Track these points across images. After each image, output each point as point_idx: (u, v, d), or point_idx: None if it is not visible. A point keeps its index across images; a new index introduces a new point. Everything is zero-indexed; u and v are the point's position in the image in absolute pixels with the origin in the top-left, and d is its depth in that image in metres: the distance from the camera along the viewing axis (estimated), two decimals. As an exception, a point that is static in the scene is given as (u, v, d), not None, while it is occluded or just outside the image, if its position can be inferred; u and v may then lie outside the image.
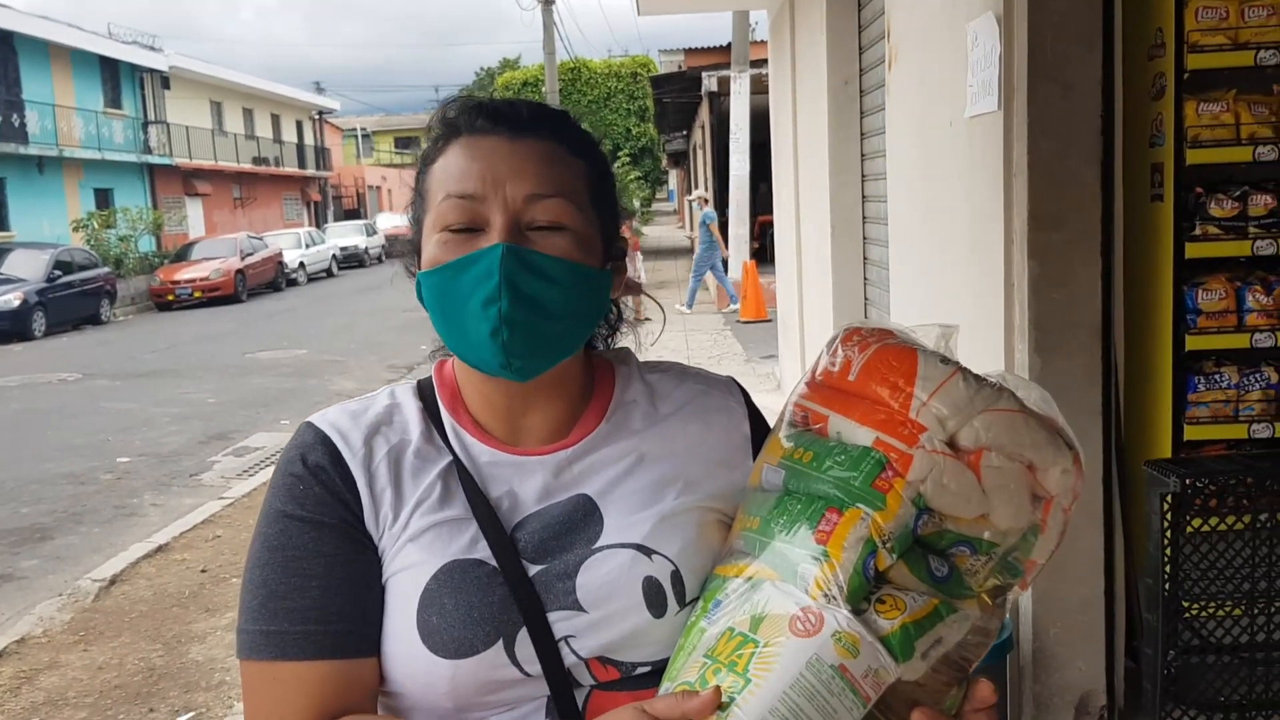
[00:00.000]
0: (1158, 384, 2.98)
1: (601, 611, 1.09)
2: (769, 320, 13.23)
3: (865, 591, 0.96)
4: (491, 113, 1.15)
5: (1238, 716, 2.90)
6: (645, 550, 1.12)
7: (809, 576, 0.97)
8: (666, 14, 9.51)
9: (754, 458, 1.22)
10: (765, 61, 11.93)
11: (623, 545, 1.13)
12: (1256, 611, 2.84)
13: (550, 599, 1.10)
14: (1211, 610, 2.88)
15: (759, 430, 1.26)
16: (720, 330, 13.98)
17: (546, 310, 1.08)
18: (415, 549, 1.11)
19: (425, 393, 1.23)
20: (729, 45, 17.31)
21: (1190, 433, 2.98)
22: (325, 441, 1.15)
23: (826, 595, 0.95)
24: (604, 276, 1.16)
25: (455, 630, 1.07)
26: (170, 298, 23.68)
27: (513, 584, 1.09)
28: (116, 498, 7.80)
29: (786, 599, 0.97)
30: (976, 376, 1.03)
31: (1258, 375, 2.96)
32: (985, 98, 3.05)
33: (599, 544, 1.13)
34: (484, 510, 1.13)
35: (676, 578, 1.11)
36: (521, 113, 1.16)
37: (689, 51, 26.76)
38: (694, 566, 1.12)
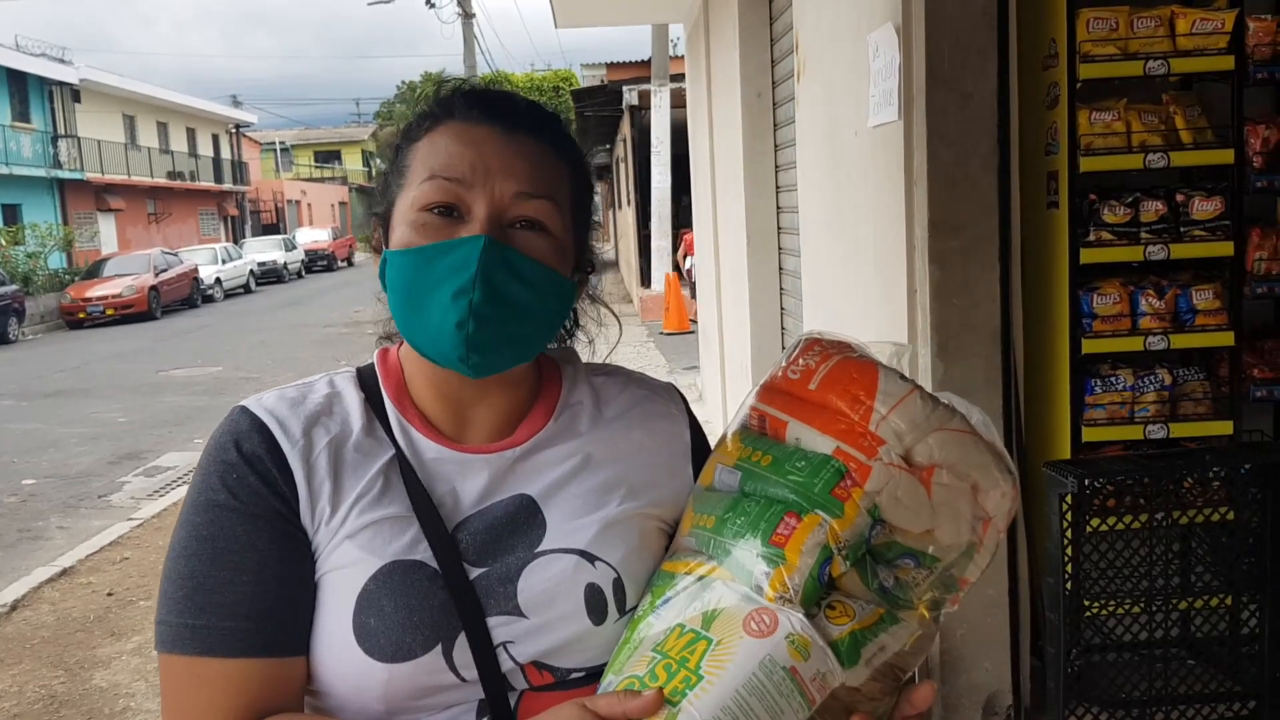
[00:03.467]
0: (1056, 387, 3.04)
1: (542, 617, 1.08)
2: (691, 332, 13.29)
3: (817, 597, 0.98)
4: (486, 102, 1.13)
5: (1139, 712, 2.95)
6: (589, 556, 1.11)
7: (764, 578, 0.98)
8: (583, 27, 9.53)
9: (692, 465, 1.23)
10: (685, 75, 11.99)
11: (566, 550, 1.11)
12: (1155, 609, 2.90)
13: (490, 603, 1.08)
14: (1112, 609, 2.94)
15: (698, 438, 1.27)
16: (644, 342, 14.01)
17: (515, 311, 1.07)
18: (353, 547, 1.08)
19: (367, 382, 1.19)
20: (650, 60, 17.38)
21: (1088, 434, 3.04)
22: (262, 429, 1.11)
23: (781, 597, 0.96)
24: (571, 287, 1.15)
25: (393, 634, 1.04)
26: (81, 315, 23.08)
27: (454, 588, 1.07)
28: (20, 521, 7.55)
29: (740, 598, 0.98)
30: (931, 396, 1.06)
31: (1152, 377, 3.03)
32: (886, 107, 3.09)
33: (541, 548, 1.11)
34: (427, 509, 1.10)
35: (618, 585, 1.11)
36: (518, 107, 1.14)
37: (611, 65, 26.79)
38: (636, 574, 1.12)
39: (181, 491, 7.92)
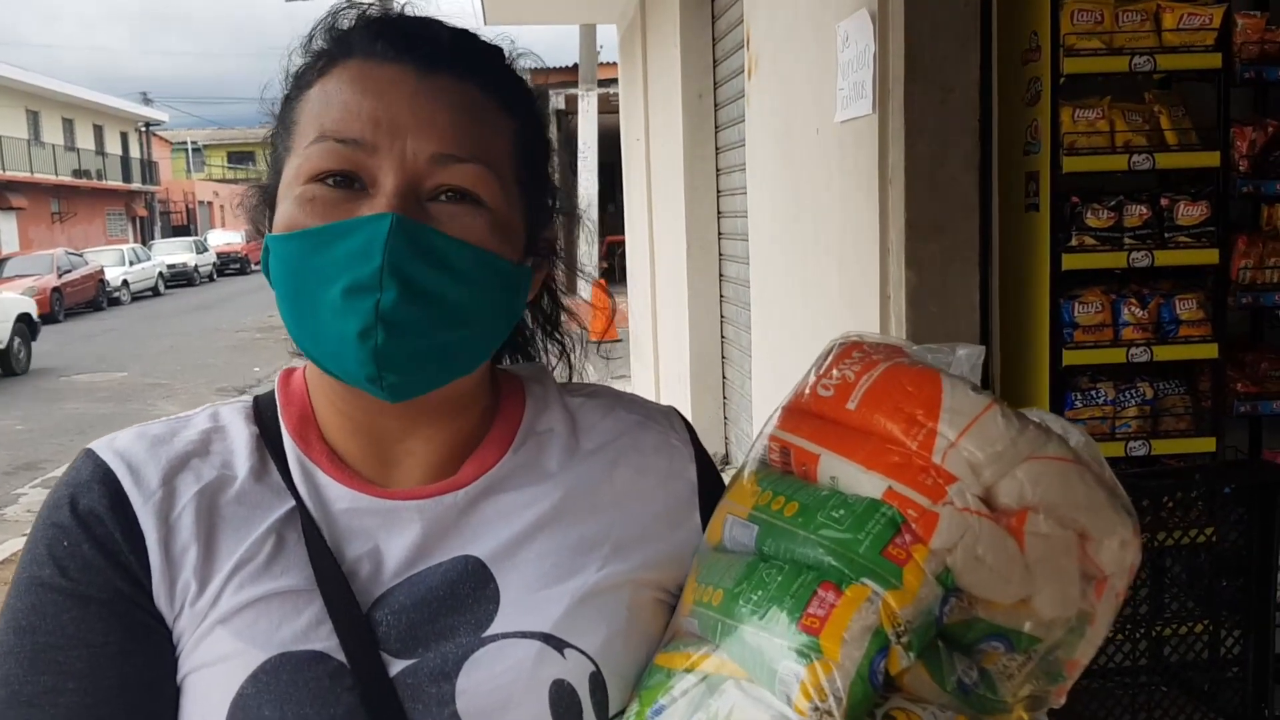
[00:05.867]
0: (1035, 400, 2.87)
1: None
2: (619, 340, 13.07)
3: (870, 704, 0.71)
4: (399, 34, 0.84)
5: (1117, 743, 2.80)
6: (556, 642, 0.83)
7: (793, 679, 0.71)
8: (514, 25, 9.25)
9: (700, 511, 0.93)
10: (613, 81, 11.81)
11: (525, 634, 0.83)
12: (1139, 636, 2.75)
13: (418, 709, 0.80)
14: (1090, 634, 2.78)
15: (708, 477, 0.97)
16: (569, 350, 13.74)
17: (441, 313, 0.79)
18: (228, 634, 0.80)
19: (264, 414, 0.91)
20: (575, 65, 17.17)
21: (1068, 451, 2.88)
22: (106, 478, 0.83)
23: (818, 708, 0.70)
24: (521, 274, 0.87)
25: None
26: (-22, 318, 22.08)
27: (366, 688, 0.79)
28: (-96, 537, 7.05)
29: (759, 708, 0.72)
30: (1017, 413, 0.79)
31: (1133, 391, 2.88)
32: (858, 101, 2.89)
33: (492, 631, 0.83)
34: (333, 579, 0.82)
35: (597, 682, 0.82)
36: (440, 38, 0.85)
37: (535, 71, 26.53)
38: (620, 667, 0.83)
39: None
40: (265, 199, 0.88)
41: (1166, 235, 2.82)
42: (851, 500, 0.77)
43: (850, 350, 0.86)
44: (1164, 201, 2.83)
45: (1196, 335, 2.85)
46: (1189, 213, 2.82)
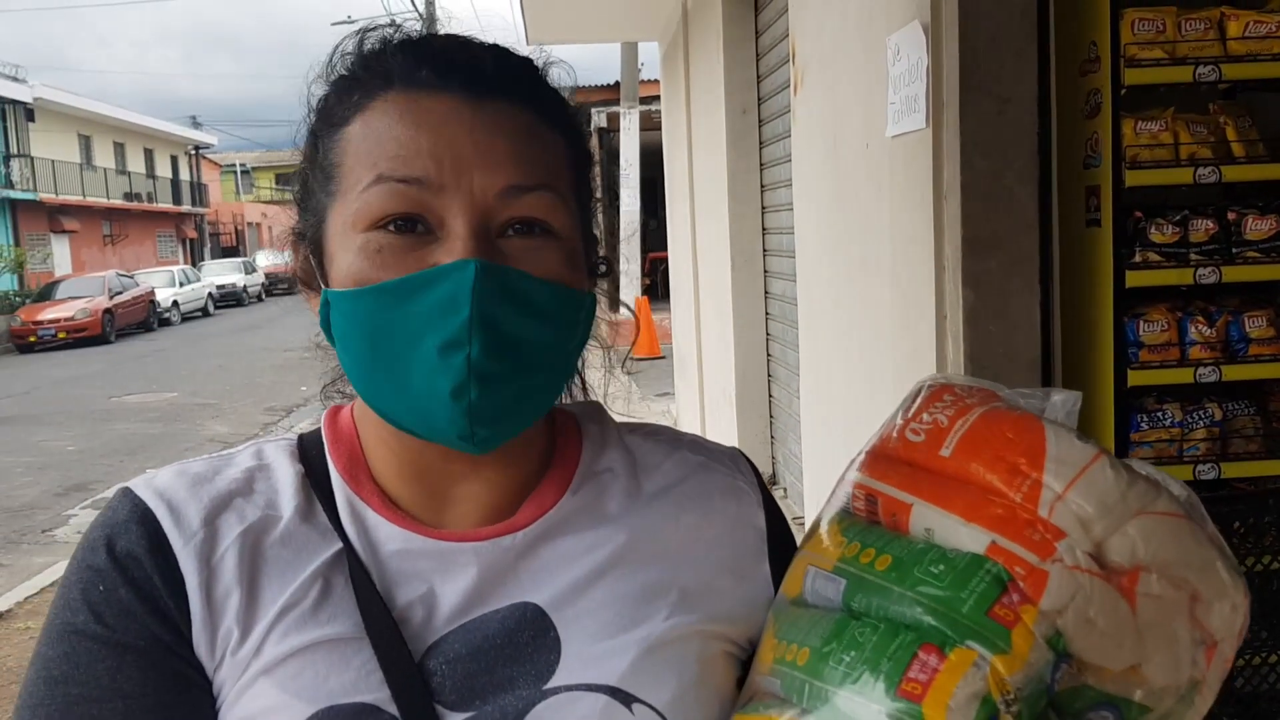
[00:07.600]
0: (1100, 422, 2.77)
1: None
2: (662, 357, 13.03)
3: None
4: (441, 59, 0.79)
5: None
6: (623, 696, 0.78)
7: None
8: (555, 43, 9.25)
9: (770, 563, 0.88)
10: (654, 99, 11.81)
11: (590, 687, 0.78)
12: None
13: None
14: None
15: (776, 524, 0.92)
16: (612, 367, 13.70)
17: (527, 359, 0.76)
18: (272, 685, 0.75)
19: (310, 452, 0.87)
20: (617, 83, 17.20)
21: (1134, 475, 2.77)
22: (145, 519, 0.78)
23: None
24: (591, 303, 0.83)
25: None
26: (32, 339, 22.51)
27: None
28: (-43, 558, 7.12)
29: None
30: (1124, 464, 0.74)
31: (1201, 412, 2.77)
32: (911, 115, 2.82)
33: (554, 683, 0.78)
34: (384, 626, 0.77)
35: None
36: (484, 64, 0.80)
37: (577, 89, 26.65)
38: None
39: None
40: (310, 248, 0.83)
41: (1234, 250, 2.71)
42: (951, 555, 0.72)
43: (941, 392, 0.81)
44: (1231, 215, 2.72)
45: (1267, 354, 2.74)
46: (1258, 227, 2.71)
